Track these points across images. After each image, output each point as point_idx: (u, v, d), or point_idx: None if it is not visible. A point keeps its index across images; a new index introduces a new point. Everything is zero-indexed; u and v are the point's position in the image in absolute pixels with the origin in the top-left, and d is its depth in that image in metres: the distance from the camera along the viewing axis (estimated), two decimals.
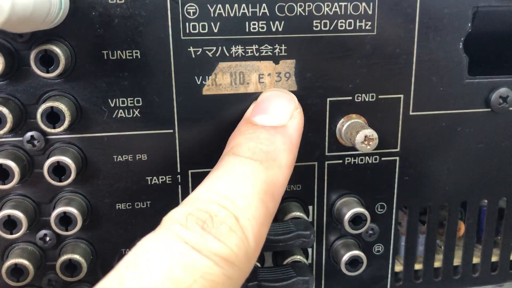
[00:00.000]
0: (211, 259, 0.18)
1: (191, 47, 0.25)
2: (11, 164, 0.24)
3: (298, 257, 0.27)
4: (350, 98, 0.27)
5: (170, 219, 0.19)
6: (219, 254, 0.18)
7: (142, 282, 0.17)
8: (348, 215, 0.28)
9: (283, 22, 0.25)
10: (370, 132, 0.25)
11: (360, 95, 0.27)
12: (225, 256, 0.18)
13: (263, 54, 0.26)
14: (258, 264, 0.27)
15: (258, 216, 0.20)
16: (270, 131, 0.23)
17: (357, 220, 0.28)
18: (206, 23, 0.25)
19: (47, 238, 0.26)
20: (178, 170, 0.27)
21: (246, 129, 0.23)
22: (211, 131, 0.26)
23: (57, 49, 0.23)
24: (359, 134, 0.25)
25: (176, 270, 0.17)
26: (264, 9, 0.25)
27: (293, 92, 0.26)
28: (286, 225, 0.26)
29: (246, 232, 0.19)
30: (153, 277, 0.17)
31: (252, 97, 0.26)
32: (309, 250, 0.30)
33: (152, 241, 0.19)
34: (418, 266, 0.32)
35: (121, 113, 0.25)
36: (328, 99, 0.27)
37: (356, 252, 0.29)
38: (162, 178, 0.27)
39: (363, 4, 0.26)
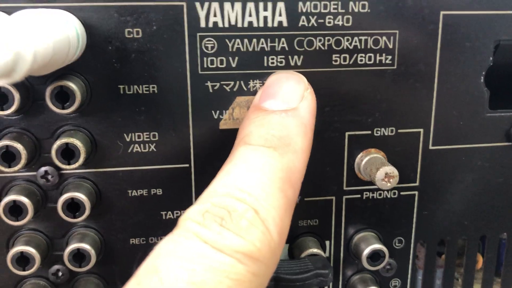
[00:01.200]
0: (233, 257, 0.17)
1: (208, 82, 0.24)
2: (25, 200, 0.23)
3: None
4: (369, 132, 0.27)
5: (187, 218, 0.18)
6: (242, 251, 0.17)
7: None
8: (366, 251, 0.27)
9: (302, 56, 0.25)
10: (390, 169, 0.25)
11: (379, 129, 0.27)
12: (248, 253, 0.17)
13: None
14: None
15: (278, 206, 0.19)
16: (281, 115, 0.22)
17: (375, 256, 0.27)
18: (224, 58, 0.24)
19: (60, 273, 0.26)
20: None
21: (255, 116, 0.22)
22: None
23: (73, 85, 0.22)
24: (380, 171, 0.25)
25: (198, 272, 0.16)
26: (283, 43, 0.24)
27: None
28: (304, 263, 0.25)
29: (268, 225, 0.18)
30: (174, 282, 0.16)
31: None
32: None
33: (170, 243, 0.18)
34: None
35: (136, 148, 0.25)
36: (347, 133, 0.26)
37: None
38: (177, 213, 0.26)
39: (384, 38, 0.25)
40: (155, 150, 0.25)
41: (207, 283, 0.16)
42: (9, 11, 0.21)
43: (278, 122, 0.21)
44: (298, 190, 0.21)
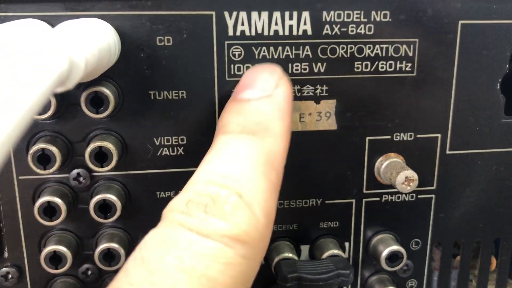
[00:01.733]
0: (220, 242, 0.17)
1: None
2: (59, 201, 0.24)
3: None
4: (389, 137, 0.27)
5: (170, 209, 0.18)
6: (228, 234, 0.17)
7: (153, 278, 0.16)
8: (385, 253, 0.28)
9: (325, 63, 0.26)
10: (410, 173, 0.25)
11: (399, 134, 0.27)
12: (234, 236, 0.17)
13: (305, 94, 0.26)
14: (296, 257, 0.27)
15: (262, 189, 0.19)
16: (257, 102, 0.22)
17: (393, 257, 0.28)
18: (250, 65, 0.25)
19: (89, 272, 0.27)
20: None
21: (232, 106, 0.22)
22: None
23: (107, 91, 0.23)
24: (400, 175, 0.25)
25: (186, 259, 0.16)
26: (307, 51, 0.25)
27: (333, 130, 0.27)
28: (326, 264, 0.26)
29: (253, 208, 0.18)
30: (163, 272, 0.16)
31: (292, 135, 0.26)
32: None
33: (156, 234, 0.18)
34: None
35: (165, 151, 0.26)
36: (368, 138, 0.27)
37: None
38: None
39: (404, 46, 0.26)
40: (183, 153, 0.26)
41: (196, 268, 0.16)
42: (48, 19, 0.22)
43: (254, 109, 0.21)
44: (281, 174, 0.21)
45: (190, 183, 0.19)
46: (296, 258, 0.27)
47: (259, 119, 0.21)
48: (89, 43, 0.17)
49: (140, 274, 0.16)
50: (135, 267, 0.17)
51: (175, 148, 0.26)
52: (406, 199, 0.29)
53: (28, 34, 0.18)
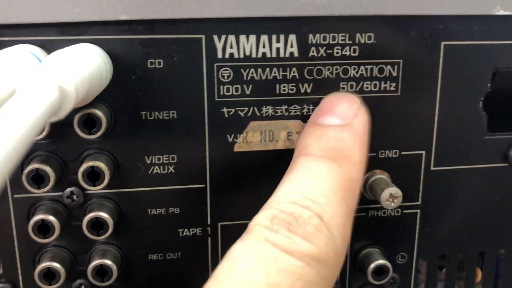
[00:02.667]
0: (303, 261, 0.18)
1: (224, 108, 0.26)
2: (52, 219, 0.25)
3: None
4: (374, 154, 0.28)
5: (257, 223, 0.19)
6: (310, 254, 0.18)
7: None
8: (371, 266, 0.29)
9: (311, 84, 0.26)
10: (395, 190, 0.26)
11: (384, 151, 0.28)
12: (316, 256, 0.18)
13: (292, 113, 0.27)
14: None
15: (340, 213, 0.20)
16: (338, 129, 0.23)
17: (379, 271, 0.29)
18: (239, 86, 0.26)
19: (82, 287, 0.27)
20: (209, 223, 0.28)
21: (313, 130, 0.23)
22: (241, 185, 0.27)
23: (99, 113, 0.24)
24: (384, 192, 0.26)
25: (273, 274, 0.17)
26: (294, 72, 0.26)
27: None
28: None
29: (332, 230, 0.19)
30: (253, 283, 0.17)
31: (280, 153, 0.27)
32: None
33: (244, 246, 0.18)
34: None
35: (156, 169, 0.26)
36: None
37: None
38: (193, 230, 0.28)
39: (388, 66, 0.27)
40: (173, 171, 0.27)
41: (282, 284, 0.17)
42: (43, 44, 0.23)
43: (335, 136, 0.23)
44: (357, 200, 0.22)
45: (274, 199, 0.20)
46: None
47: (340, 146, 0.22)
48: (79, 72, 0.18)
49: (231, 284, 0.17)
50: (226, 276, 0.18)
51: (166, 167, 0.26)
52: (392, 214, 0.29)
53: (19, 66, 0.18)
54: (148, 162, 0.26)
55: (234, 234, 0.20)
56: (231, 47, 0.25)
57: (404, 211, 0.30)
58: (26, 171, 0.24)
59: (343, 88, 0.27)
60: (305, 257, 0.18)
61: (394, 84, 0.27)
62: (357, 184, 0.22)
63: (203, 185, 0.27)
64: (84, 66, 0.19)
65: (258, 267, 0.17)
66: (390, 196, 0.26)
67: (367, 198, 0.29)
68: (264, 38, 0.25)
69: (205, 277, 0.19)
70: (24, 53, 0.21)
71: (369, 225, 0.29)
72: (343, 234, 0.20)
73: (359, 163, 0.23)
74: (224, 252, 0.20)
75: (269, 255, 0.18)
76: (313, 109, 0.27)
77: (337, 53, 0.26)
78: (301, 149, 0.23)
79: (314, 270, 0.18)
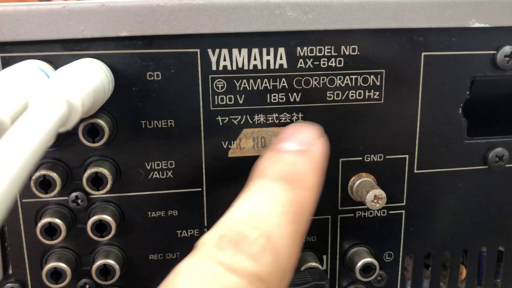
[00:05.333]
0: (247, 279, 0.18)
1: (219, 116, 0.28)
2: (59, 222, 0.27)
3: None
4: (360, 158, 0.30)
5: (204, 242, 0.19)
6: (254, 273, 0.18)
7: None
8: (359, 264, 0.30)
9: (300, 93, 0.28)
10: (379, 192, 0.28)
11: (369, 155, 0.30)
12: (260, 275, 0.18)
13: (282, 121, 0.29)
14: None
15: (289, 234, 0.20)
16: (295, 154, 0.23)
17: (366, 269, 0.31)
18: (232, 96, 0.28)
19: (87, 286, 0.29)
20: (205, 224, 0.29)
21: (271, 154, 0.24)
22: (235, 189, 0.29)
23: (102, 122, 0.26)
24: (369, 194, 0.28)
25: None
26: (283, 83, 0.28)
27: None
28: (303, 275, 0.29)
29: (278, 251, 0.19)
30: None
31: None
32: None
33: (188, 264, 0.19)
34: None
35: (155, 175, 0.28)
36: (340, 159, 0.30)
37: None
38: (190, 232, 0.29)
39: (372, 76, 0.29)
40: (171, 176, 0.28)
41: None
42: (48, 59, 0.25)
43: (292, 160, 0.23)
44: (308, 224, 0.22)
45: (225, 218, 0.21)
46: None
47: (295, 170, 0.23)
48: (84, 87, 0.20)
49: None
50: None
51: (165, 172, 0.28)
52: (378, 214, 0.31)
53: (29, 80, 0.20)
54: (148, 167, 0.28)
55: None
56: (224, 60, 0.27)
57: (390, 212, 0.31)
58: (34, 177, 0.26)
59: (329, 97, 0.29)
60: (249, 276, 0.18)
61: (378, 93, 0.29)
62: (309, 208, 0.23)
63: (199, 189, 0.29)
64: (89, 81, 0.21)
65: (200, 285, 0.18)
66: (375, 197, 0.28)
67: (354, 200, 0.31)
68: (255, 51, 0.27)
69: None
70: (33, 68, 0.22)
71: (356, 225, 0.31)
72: (289, 255, 0.20)
73: (313, 188, 0.23)
74: None
75: (213, 273, 0.18)
76: (302, 117, 0.29)
77: (324, 64, 0.28)
78: (258, 172, 0.23)
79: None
